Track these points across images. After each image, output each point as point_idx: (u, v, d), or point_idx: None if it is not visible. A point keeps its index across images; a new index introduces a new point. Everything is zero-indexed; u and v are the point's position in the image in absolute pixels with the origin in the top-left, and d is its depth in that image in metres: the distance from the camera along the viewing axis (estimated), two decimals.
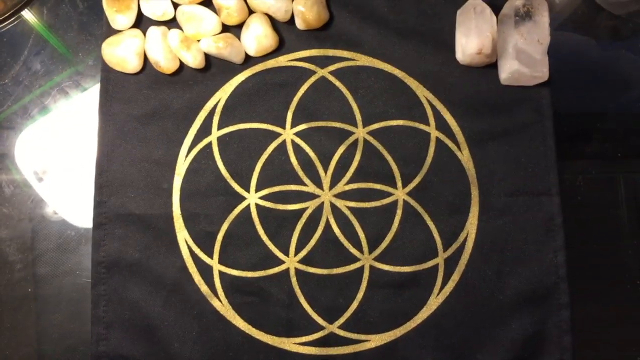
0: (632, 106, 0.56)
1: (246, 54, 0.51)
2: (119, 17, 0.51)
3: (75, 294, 0.51)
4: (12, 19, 0.55)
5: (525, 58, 0.50)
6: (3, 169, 0.53)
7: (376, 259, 0.49)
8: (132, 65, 0.51)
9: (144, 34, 0.51)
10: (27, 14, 0.55)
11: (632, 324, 0.51)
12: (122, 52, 0.50)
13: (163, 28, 0.51)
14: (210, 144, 0.51)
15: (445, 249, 0.50)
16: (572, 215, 0.51)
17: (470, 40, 0.50)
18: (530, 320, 0.49)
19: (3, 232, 0.52)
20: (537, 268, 0.49)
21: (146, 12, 0.51)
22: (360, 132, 0.51)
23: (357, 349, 0.48)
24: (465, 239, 0.50)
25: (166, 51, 0.50)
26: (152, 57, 0.51)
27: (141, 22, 0.52)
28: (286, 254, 0.49)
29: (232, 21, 0.51)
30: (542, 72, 0.50)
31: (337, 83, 0.51)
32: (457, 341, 0.48)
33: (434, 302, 0.49)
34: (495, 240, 0.50)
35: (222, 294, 0.49)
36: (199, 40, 0.51)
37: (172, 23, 0.52)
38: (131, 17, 0.51)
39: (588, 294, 0.50)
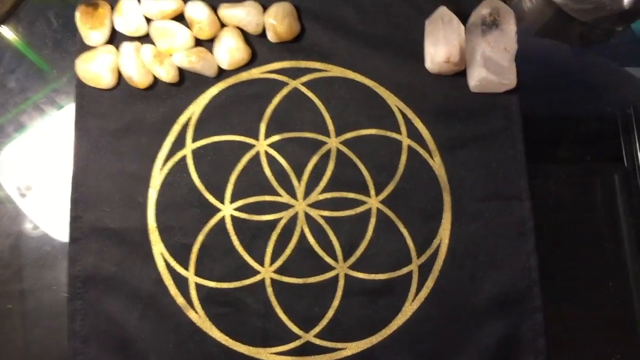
0: (602, 110, 0.57)
1: (219, 67, 0.52)
2: (93, 34, 0.52)
3: (55, 308, 0.51)
4: None
5: (492, 66, 0.51)
6: None
7: (351, 267, 0.50)
8: (106, 80, 0.51)
9: (118, 49, 0.52)
10: (3, 30, 0.56)
11: (606, 326, 0.51)
12: (96, 67, 0.51)
13: (136, 43, 0.52)
14: (184, 157, 0.51)
15: (419, 256, 0.50)
16: (545, 219, 0.51)
17: (439, 49, 0.51)
18: (505, 324, 0.49)
19: None
20: (510, 272, 0.50)
21: (119, 28, 0.52)
22: (333, 142, 0.52)
23: (334, 357, 0.49)
24: (439, 245, 0.50)
25: (139, 66, 0.51)
26: (125, 73, 0.51)
27: (115, 38, 0.53)
28: (261, 264, 0.50)
29: (205, 35, 0.52)
30: (509, 80, 0.51)
31: (310, 94, 0.52)
32: (432, 347, 0.49)
33: (409, 309, 0.49)
34: (468, 245, 0.50)
35: (199, 305, 0.49)
36: (171, 55, 0.52)
37: (145, 38, 0.52)
38: (105, 33, 0.52)
39: (562, 296, 0.51)
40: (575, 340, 0.51)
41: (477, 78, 0.51)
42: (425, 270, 0.50)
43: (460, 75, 0.53)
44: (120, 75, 0.52)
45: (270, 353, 0.49)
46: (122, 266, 0.49)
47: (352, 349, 0.49)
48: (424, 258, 0.50)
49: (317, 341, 0.49)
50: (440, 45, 0.51)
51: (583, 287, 0.52)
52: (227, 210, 0.50)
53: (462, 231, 0.50)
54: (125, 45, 0.52)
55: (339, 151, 0.51)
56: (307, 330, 0.49)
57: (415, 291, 0.50)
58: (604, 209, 0.55)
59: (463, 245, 0.50)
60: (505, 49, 0.51)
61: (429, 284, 0.50)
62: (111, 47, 0.52)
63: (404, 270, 0.50)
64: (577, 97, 0.58)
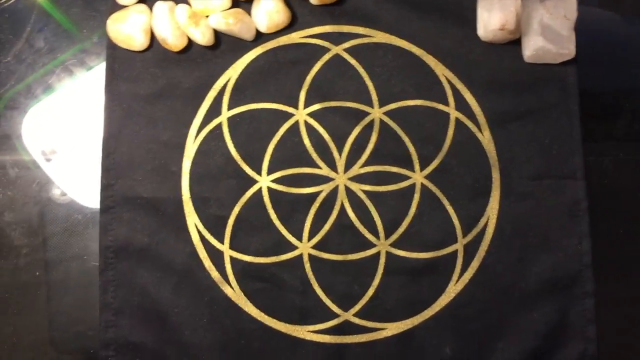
0: None
1: (257, 31, 0.49)
2: None
3: (84, 278, 0.50)
4: None
5: (550, 34, 0.47)
6: (7, 150, 0.51)
7: (393, 244, 0.48)
8: (138, 42, 0.49)
9: (151, 9, 0.49)
10: None
11: None
12: (128, 28, 0.48)
13: (170, 3, 0.49)
14: (220, 125, 0.49)
15: (464, 235, 0.48)
16: (598, 200, 0.48)
17: (493, 15, 0.48)
18: (553, 309, 0.47)
19: (8, 216, 0.50)
20: (561, 255, 0.47)
21: None
22: (376, 113, 0.49)
23: (373, 337, 0.47)
24: (486, 224, 0.48)
25: (174, 27, 0.48)
26: (159, 34, 0.48)
27: (147, 1, 0.50)
28: (299, 239, 0.48)
29: None
30: (568, 49, 0.48)
31: (352, 61, 0.49)
32: (476, 330, 0.47)
33: (452, 290, 0.47)
34: (517, 225, 0.48)
35: (234, 280, 0.47)
36: (207, 16, 0.49)
37: None
38: None
39: (614, 282, 0.48)
40: (626, 328, 0.48)
41: (534, 47, 0.48)
42: (471, 250, 0.48)
43: (514, 44, 0.49)
44: (153, 37, 0.49)
45: (308, 331, 0.47)
46: (155, 237, 0.47)
47: (392, 329, 0.47)
48: (470, 237, 0.48)
49: (356, 320, 0.47)
50: (495, 10, 0.47)
51: (636, 273, 0.49)
52: (264, 182, 0.48)
53: (511, 210, 0.48)
54: (159, 5, 0.49)
55: (382, 122, 0.49)
56: (346, 309, 0.47)
57: (460, 271, 0.47)
58: None
59: (512, 225, 0.48)
60: (565, 17, 0.48)
61: (475, 264, 0.47)
62: (144, 7, 0.49)
63: (449, 250, 0.48)
64: (632, 71, 0.54)
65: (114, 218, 0.47)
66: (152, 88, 0.49)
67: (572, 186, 0.48)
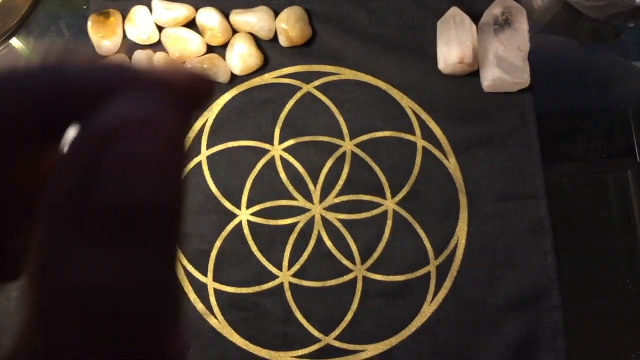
0: (614, 106, 0.57)
1: (232, 73, 0.52)
2: (105, 43, 0.52)
3: None
4: (1, 47, 0.56)
5: (506, 65, 0.51)
6: None
7: (369, 269, 0.50)
8: None
9: (130, 58, 0.52)
10: (15, 42, 0.56)
11: (624, 323, 0.51)
12: None
13: (148, 51, 0.52)
14: (200, 163, 0.51)
15: (436, 256, 0.50)
16: (560, 217, 0.51)
17: (452, 50, 0.51)
18: (523, 323, 0.49)
19: None
20: (528, 271, 0.50)
21: (131, 36, 0.52)
22: (348, 145, 0.52)
23: (354, 359, 0.49)
24: (456, 246, 0.50)
25: None
26: None
27: (127, 47, 0.53)
28: (279, 268, 0.50)
29: (217, 41, 0.52)
30: (523, 79, 0.51)
31: (323, 97, 0.52)
32: (452, 347, 0.49)
33: (427, 310, 0.50)
34: (485, 245, 0.50)
35: (218, 311, 0.49)
36: (184, 62, 0.52)
37: (157, 46, 0.53)
38: (116, 42, 0.52)
39: (579, 294, 0.51)
40: (594, 338, 0.51)
41: (491, 78, 0.51)
42: (443, 270, 0.50)
43: (473, 75, 0.53)
44: None
45: (292, 357, 0.49)
46: None
47: (371, 350, 0.49)
48: (441, 259, 0.50)
49: (337, 344, 0.49)
50: (453, 45, 0.51)
51: (600, 285, 0.52)
52: (244, 215, 0.51)
53: (478, 231, 0.51)
54: (138, 54, 0.52)
55: (353, 154, 0.52)
56: (326, 333, 0.49)
57: (434, 292, 0.50)
58: (619, 206, 0.55)
59: (480, 245, 0.50)
60: (519, 48, 0.51)
61: (447, 284, 0.50)
62: (123, 56, 0.52)
63: (422, 271, 0.50)
64: (588, 94, 0.58)
65: None
66: None
67: (535, 205, 0.51)
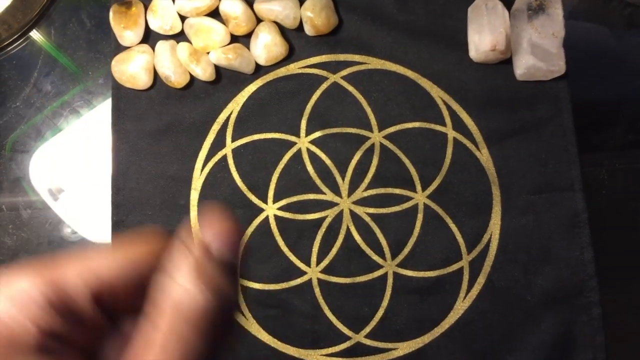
0: None
1: (256, 64, 0.51)
2: (127, 34, 0.51)
3: None
4: (21, 40, 0.55)
5: (540, 52, 0.49)
6: (20, 192, 0.53)
7: (399, 265, 0.49)
8: (142, 81, 0.50)
9: (153, 49, 0.51)
10: (36, 35, 0.55)
11: None
12: (132, 68, 0.50)
13: (171, 42, 0.51)
14: (225, 156, 0.50)
15: (469, 252, 0.49)
16: (598, 210, 0.49)
17: (483, 37, 0.49)
18: (560, 320, 0.48)
19: (23, 257, 0.52)
20: (565, 266, 0.48)
21: (154, 27, 0.51)
22: (376, 137, 0.50)
23: (385, 357, 0.48)
24: (489, 240, 0.49)
25: (176, 65, 0.50)
26: (162, 72, 0.50)
27: (149, 37, 0.52)
28: (308, 264, 0.49)
29: (241, 31, 0.51)
30: (558, 66, 0.49)
31: (350, 88, 0.51)
32: (486, 345, 0.48)
33: (460, 307, 0.48)
34: (520, 239, 0.49)
35: (246, 308, 0.48)
36: (208, 53, 0.50)
37: (180, 36, 0.51)
38: (139, 32, 0.51)
39: (618, 290, 0.49)
40: (634, 335, 0.49)
41: (525, 66, 0.49)
42: (476, 266, 0.49)
43: (505, 63, 0.51)
44: (156, 75, 0.51)
45: (321, 355, 0.48)
46: None
47: (403, 348, 0.48)
48: (474, 254, 0.49)
49: (368, 342, 0.48)
50: (485, 32, 0.49)
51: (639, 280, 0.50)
52: (271, 210, 0.49)
53: (513, 225, 0.49)
54: (161, 44, 0.50)
55: (382, 146, 0.50)
56: (357, 331, 0.48)
57: (467, 288, 0.48)
58: None
59: (514, 239, 0.49)
60: (553, 34, 0.49)
61: (481, 280, 0.48)
62: (146, 47, 0.51)
63: (454, 267, 0.48)
64: (624, 81, 0.55)
65: None
66: (158, 125, 0.50)
67: (571, 198, 0.49)
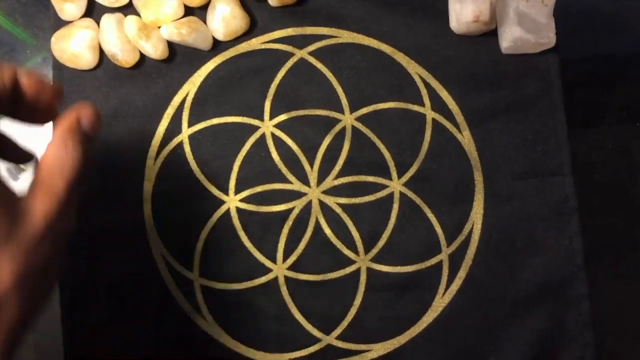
0: None
1: (214, 39, 0.46)
2: (68, 6, 0.45)
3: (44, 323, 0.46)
4: None
5: (528, 23, 0.44)
6: None
7: (373, 259, 0.45)
8: (86, 60, 0.45)
9: (98, 23, 0.45)
10: None
11: None
12: (75, 46, 0.45)
13: (118, 15, 0.45)
14: (181, 143, 0.45)
15: (449, 244, 0.45)
16: (588, 195, 0.45)
17: (465, 7, 0.44)
18: (547, 315, 0.44)
19: None
20: (552, 257, 0.45)
21: None
22: (348, 119, 0.45)
23: None
24: (471, 231, 0.45)
25: (124, 42, 0.45)
26: (108, 50, 0.45)
27: (93, 11, 0.46)
28: (273, 260, 0.45)
29: (196, 2, 0.45)
30: (548, 38, 0.44)
31: (319, 65, 0.46)
32: (468, 344, 0.44)
33: (439, 303, 0.44)
34: (504, 229, 0.45)
35: (206, 310, 0.44)
36: (159, 27, 0.45)
37: (128, 9, 0.46)
38: (81, 5, 0.45)
39: (609, 282, 0.46)
40: (626, 330, 0.46)
41: (511, 38, 0.44)
42: (456, 259, 0.45)
43: (490, 35, 0.46)
44: (102, 54, 0.46)
45: (289, 359, 0.44)
46: (118, 269, 0.44)
47: (377, 350, 0.44)
48: (454, 246, 0.45)
49: (339, 343, 0.44)
50: (467, 1, 0.44)
51: (633, 271, 0.46)
52: (232, 202, 0.45)
53: (496, 214, 0.45)
54: (106, 18, 0.45)
55: (354, 129, 0.45)
56: (327, 332, 0.44)
57: (446, 283, 0.45)
58: None
59: (498, 229, 0.45)
60: (543, 2, 0.44)
61: (461, 274, 0.45)
62: (90, 21, 0.46)
63: (433, 261, 0.45)
64: (619, 51, 0.51)
65: (73, 251, 0.44)
66: (105, 109, 0.45)
67: (560, 183, 0.45)
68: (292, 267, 0.45)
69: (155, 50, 0.45)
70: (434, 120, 0.46)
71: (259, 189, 0.45)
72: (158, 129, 0.45)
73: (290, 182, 0.45)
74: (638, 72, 0.49)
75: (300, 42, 0.46)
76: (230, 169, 0.45)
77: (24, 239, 0.27)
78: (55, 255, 0.29)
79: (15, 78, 0.30)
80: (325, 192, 0.45)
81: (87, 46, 0.45)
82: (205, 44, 0.45)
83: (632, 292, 0.47)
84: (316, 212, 0.45)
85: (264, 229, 0.45)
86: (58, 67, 0.45)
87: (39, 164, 0.29)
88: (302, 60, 0.46)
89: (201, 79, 0.46)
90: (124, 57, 0.45)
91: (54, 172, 0.29)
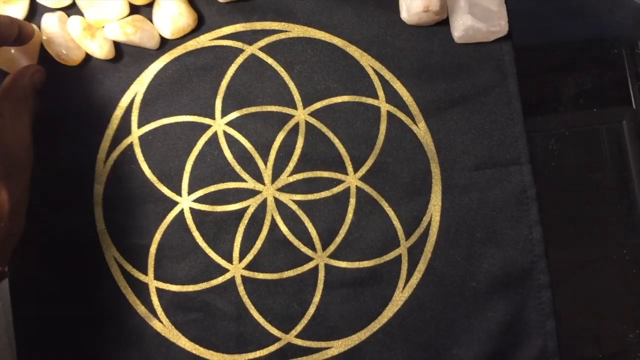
0: (603, 50, 0.50)
1: (161, 37, 0.45)
2: (9, 9, 0.44)
3: None
4: None
5: (479, 11, 0.44)
6: None
7: (331, 256, 0.44)
8: (23, 63, 0.44)
9: (39, 25, 0.44)
10: None
11: (621, 300, 0.46)
12: (15, 51, 0.43)
13: (60, 14, 0.44)
14: (131, 145, 0.44)
15: (407, 237, 0.44)
16: (547, 183, 0.45)
17: None
18: (508, 306, 0.44)
19: None
20: (511, 247, 0.44)
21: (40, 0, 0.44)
22: (301, 114, 0.45)
23: (319, 358, 0.44)
24: (429, 224, 0.44)
25: (67, 40, 0.44)
26: (52, 49, 0.44)
27: (35, 14, 0.45)
28: (230, 260, 0.44)
29: (141, 0, 0.44)
30: (500, 26, 0.44)
31: (269, 60, 0.45)
32: (429, 337, 0.44)
33: (399, 298, 0.44)
34: (463, 221, 0.44)
35: (162, 313, 0.43)
36: (104, 27, 0.44)
37: (71, 10, 0.45)
38: (23, 6, 0.44)
39: (570, 270, 0.45)
40: (588, 318, 0.45)
41: (462, 27, 0.44)
42: (415, 252, 0.44)
43: (442, 25, 0.45)
44: (40, 55, 0.44)
45: (249, 359, 0.43)
46: (70, 276, 0.43)
47: (338, 347, 0.44)
48: (413, 239, 0.44)
49: (299, 342, 0.44)
50: None
51: (593, 259, 0.46)
52: (186, 202, 0.44)
53: (454, 205, 0.44)
54: (48, 17, 0.44)
55: (308, 124, 0.45)
56: (287, 331, 0.44)
57: (406, 277, 0.44)
58: (612, 164, 0.49)
59: (456, 221, 0.44)
60: None
61: (421, 267, 0.44)
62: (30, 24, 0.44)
63: (392, 255, 0.44)
64: (573, 35, 0.50)
65: (21, 256, 0.43)
66: (50, 111, 0.44)
67: (518, 172, 0.45)
68: (248, 267, 0.44)
69: (101, 50, 0.44)
70: (388, 112, 0.45)
71: (212, 188, 0.44)
72: (107, 131, 0.44)
73: (244, 181, 0.44)
74: (592, 58, 0.49)
75: (250, 37, 0.45)
76: (183, 169, 0.44)
77: None
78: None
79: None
80: (280, 190, 0.44)
81: (28, 49, 0.44)
82: (152, 43, 0.44)
83: (595, 279, 0.46)
84: (271, 209, 0.44)
85: (219, 228, 0.44)
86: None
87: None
88: (252, 56, 0.45)
89: (149, 78, 0.45)
90: (70, 55, 0.44)
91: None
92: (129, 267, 0.44)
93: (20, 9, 0.44)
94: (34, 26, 0.43)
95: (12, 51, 0.43)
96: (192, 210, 0.44)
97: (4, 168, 0.36)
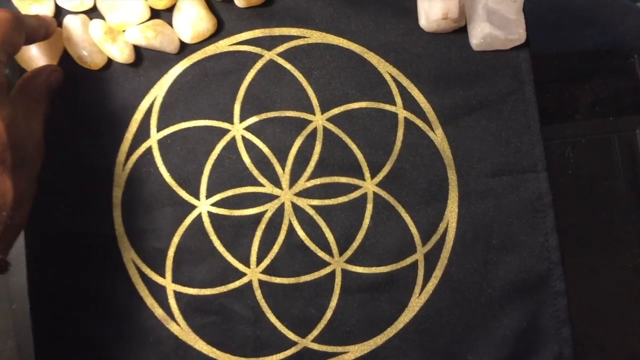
0: (617, 60, 0.50)
1: (181, 42, 0.45)
2: (35, 8, 0.44)
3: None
4: None
5: (497, 19, 0.44)
6: None
7: (348, 261, 0.44)
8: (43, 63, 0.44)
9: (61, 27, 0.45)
10: None
11: (630, 308, 0.46)
12: (37, 51, 0.44)
13: (83, 17, 0.45)
14: (150, 148, 0.45)
15: (424, 243, 0.44)
16: (563, 191, 0.45)
17: (434, 4, 0.44)
18: (524, 312, 0.44)
19: None
20: (527, 254, 0.44)
21: (61, 2, 0.45)
22: (319, 120, 0.45)
23: None
24: (446, 230, 0.45)
25: (90, 43, 0.44)
26: (74, 52, 0.44)
27: (59, 16, 0.45)
28: (247, 265, 0.44)
29: (161, 5, 0.45)
30: (517, 34, 0.44)
31: (288, 66, 0.45)
32: (444, 343, 0.44)
33: (416, 303, 0.44)
34: (479, 227, 0.45)
35: (180, 316, 0.44)
36: (124, 31, 0.44)
37: (92, 13, 0.45)
38: (48, 8, 0.45)
39: (586, 278, 0.45)
40: (603, 326, 0.45)
41: (480, 35, 0.44)
42: (432, 259, 0.44)
43: (460, 32, 0.46)
44: (66, 58, 0.45)
45: None
46: (88, 278, 0.43)
47: (354, 352, 0.44)
48: (429, 245, 0.44)
49: (316, 346, 0.44)
50: None
51: (609, 266, 0.46)
52: (204, 206, 0.44)
53: (471, 212, 0.45)
54: (70, 19, 0.44)
55: (326, 130, 0.45)
56: (303, 335, 0.44)
57: (422, 283, 0.44)
58: (624, 172, 0.49)
59: (473, 227, 0.45)
60: None
61: (437, 273, 0.44)
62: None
63: (408, 261, 0.44)
64: (590, 45, 0.51)
65: (41, 258, 0.43)
66: (71, 114, 0.44)
67: (534, 180, 0.45)
68: (266, 271, 0.44)
69: (121, 54, 0.44)
70: (405, 119, 0.45)
71: (230, 192, 0.44)
72: (126, 135, 0.45)
73: (262, 185, 0.45)
74: (609, 67, 0.49)
75: (268, 43, 0.45)
76: (201, 173, 0.44)
77: None
78: None
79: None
80: (297, 194, 0.45)
81: (49, 50, 0.44)
82: (171, 47, 0.45)
83: (610, 287, 0.46)
84: (289, 214, 0.44)
85: (236, 233, 0.44)
86: (22, 71, 0.45)
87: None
88: (271, 62, 0.45)
89: (169, 83, 0.45)
90: (92, 58, 0.44)
91: None
92: (147, 270, 0.44)
93: (46, 10, 0.44)
94: (58, 28, 0.44)
95: (33, 51, 0.44)
96: (210, 214, 0.44)
97: (12, 160, 0.36)
